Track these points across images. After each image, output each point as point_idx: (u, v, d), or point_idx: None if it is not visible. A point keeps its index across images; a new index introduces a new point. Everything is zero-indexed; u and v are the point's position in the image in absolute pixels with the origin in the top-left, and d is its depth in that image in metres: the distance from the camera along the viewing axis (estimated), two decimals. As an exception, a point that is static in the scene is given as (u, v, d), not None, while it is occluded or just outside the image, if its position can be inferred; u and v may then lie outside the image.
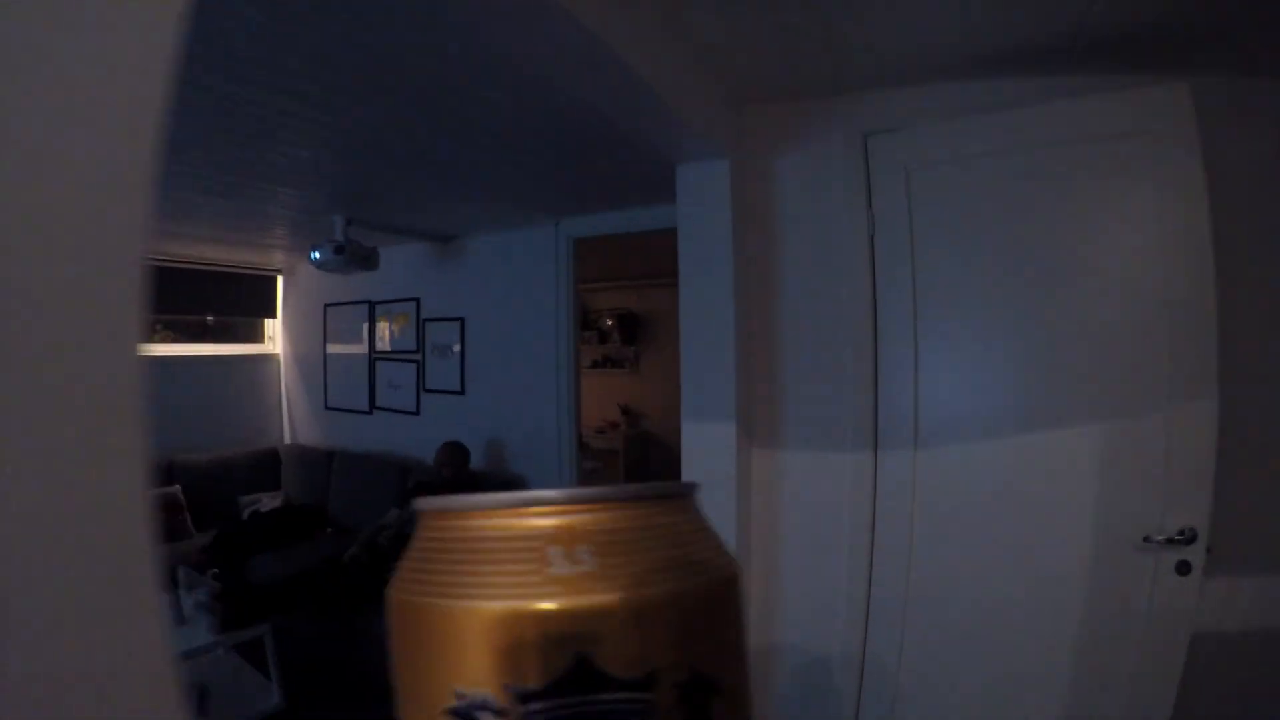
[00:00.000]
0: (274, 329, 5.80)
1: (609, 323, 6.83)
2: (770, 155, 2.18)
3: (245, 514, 4.62)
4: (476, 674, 0.23)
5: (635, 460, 6.56)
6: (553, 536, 0.24)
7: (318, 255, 3.63)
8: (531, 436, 3.97)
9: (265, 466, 5.12)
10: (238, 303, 5.51)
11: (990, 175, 1.87)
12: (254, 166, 2.77)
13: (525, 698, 0.22)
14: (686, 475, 2.16)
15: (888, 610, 2.01)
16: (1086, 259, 1.76)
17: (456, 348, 4.30)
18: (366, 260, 3.70)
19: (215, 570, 3.34)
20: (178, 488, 4.53)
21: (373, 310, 4.87)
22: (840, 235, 2.07)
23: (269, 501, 4.81)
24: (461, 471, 3.80)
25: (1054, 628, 1.78)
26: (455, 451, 3.80)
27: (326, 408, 5.28)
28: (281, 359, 5.77)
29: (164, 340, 5.29)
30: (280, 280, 5.74)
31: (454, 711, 0.23)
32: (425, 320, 4.51)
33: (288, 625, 3.29)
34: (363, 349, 4.94)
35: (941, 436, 1.93)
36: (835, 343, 2.08)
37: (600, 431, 6.68)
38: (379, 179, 3.06)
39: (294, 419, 5.67)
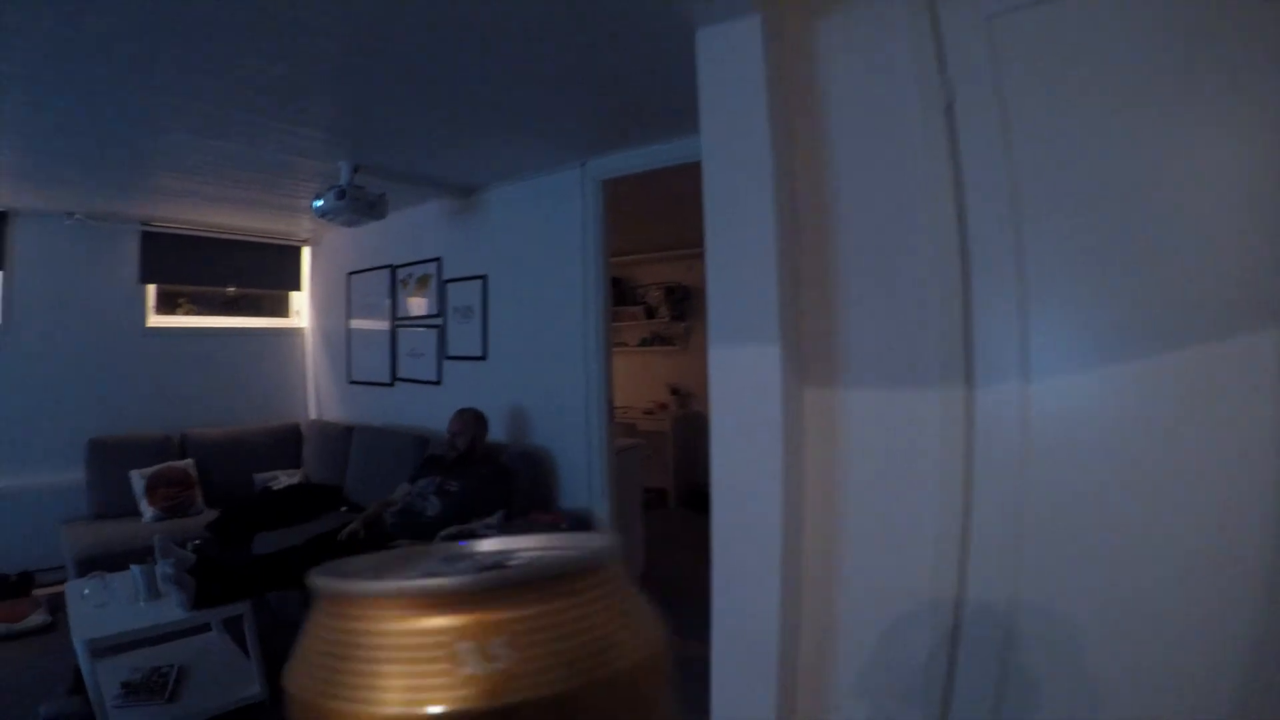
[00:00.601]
0: (300, 302, 5.53)
1: (656, 296, 6.37)
2: (811, 16, 1.70)
3: (262, 491, 4.33)
4: None
5: (684, 442, 6.10)
6: (463, 631, 0.22)
7: (320, 203, 3.28)
8: (557, 405, 3.54)
9: (286, 443, 4.83)
10: (263, 274, 5.25)
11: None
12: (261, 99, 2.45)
13: None
14: (718, 420, 1.70)
15: (990, 586, 1.50)
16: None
17: (478, 308, 3.91)
18: (373, 207, 3.33)
19: (196, 542, 3.01)
20: (189, 462, 4.26)
21: (394, 276, 4.53)
22: (905, 108, 1.58)
23: (286, 479, 4.51)
24: (478, 442, 3.40)
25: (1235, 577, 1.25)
26: (471, 420, 3.41)
27: (350, 382, 4.97)
28: (308, 332, 5.49)
29: (187, 313, 5.06)
30: (306, 252, 5.47)
31: None
32: (446, 282, 4.13)
33: (278, 605, 2.95)
34: (385, 320, 4.60)
35: (1061, 362, 1.42)
36: (908, 250, 1.58)
37: (648, 413, 6.23)
38: (388, 114, 2.71)
39: (320, 394, 5.39)
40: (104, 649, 2.49)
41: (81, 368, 4.40)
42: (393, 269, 4.54)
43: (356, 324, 4.90)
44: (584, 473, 3.44)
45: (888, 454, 1.60)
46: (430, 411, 4.23)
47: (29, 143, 2.99)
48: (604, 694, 0.22)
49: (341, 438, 4.45)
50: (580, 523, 3.36)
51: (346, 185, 3.23)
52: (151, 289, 4.79)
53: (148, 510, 4.00)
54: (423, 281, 4.30)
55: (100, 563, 3.21)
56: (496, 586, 0.22)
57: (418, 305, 4.34)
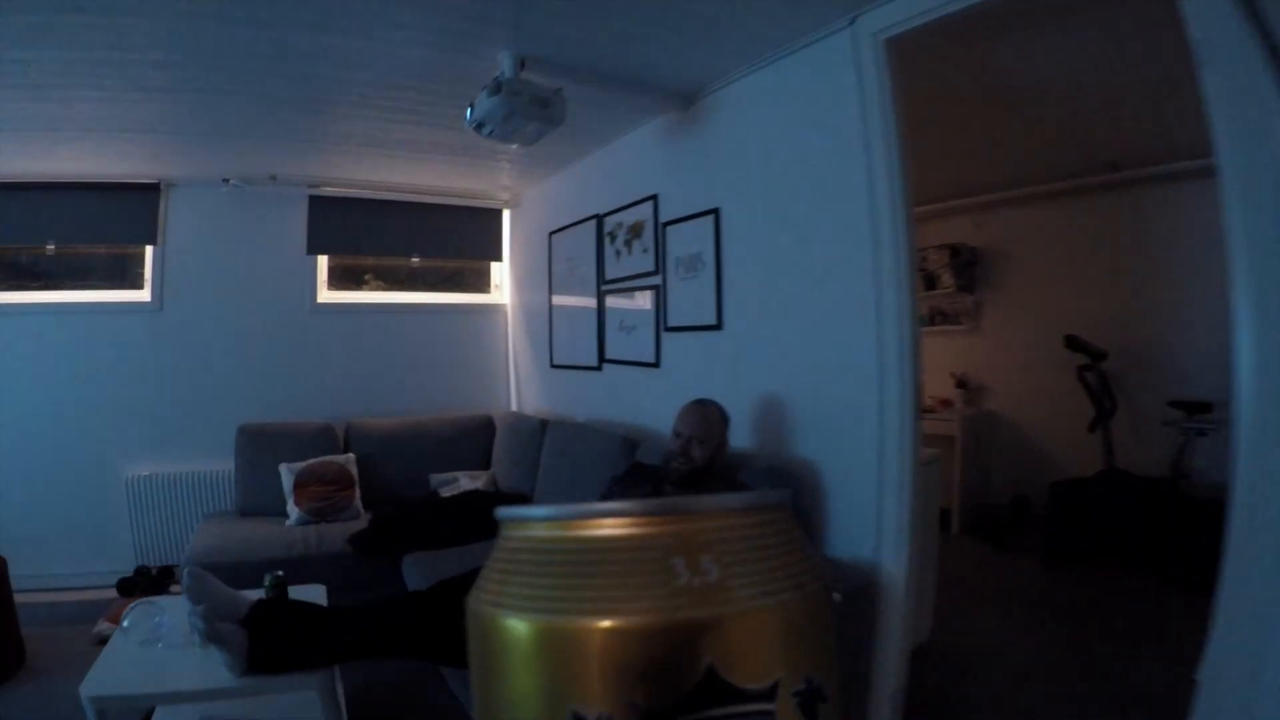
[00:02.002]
0: (501, 275, 4.73)
1: (938, 261, 4.86)
2: None
3: (427, 496, 3.50)
4: (596, 693, 0.21)
5: (975, 450, 4.55)
6: (674, 547, 0.23)
7: (471, 111, 2.30)
8: (830, 400, 2.27)
9: (473, 439, 4.00)
10: (454, 243, 4.50)
11: None
12: None
13: (653, 715, 0.21)
14: None
15: None
16: None
17: (709, 256, 2.74)
18: (546, 106, 2.26)
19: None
20: (349, 457, 3.53)
21: (600, 228, 3.50)
22: None
23: (468, 482, 3.65)
24: (720, 455, 2.24)
25: None
26: (715, 421, 2.24)
27: (552, 366, 4.03)
28: (509, 309, 4.67)
29: (375, 289, 4.42)
30: (507, 217, 4.65)
31: None
32: (665, 225, 3.01)
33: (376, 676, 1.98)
34: (591, 287, 3.59)
35: None
36: None
37: (929, 411, 4.73)
38: None
39: (519, 382, 4.54)
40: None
41: (239, 348, 3.90)
42: (599, 219, 3.52)
43: (559, 297, 3.94)
44: (869, 504, 2.13)
45: None
46: (643, 403, 3.15)
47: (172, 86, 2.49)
48: (797, 609, 0.24)
49: (534, 435, 3.50)
50: (859, 585, 2.09)
51: (506, 78, 2.21)
52: (323, 262, 4.19)
53: (294, 511, 3.32)
54: (635, 230, 3.21)
55: (219, 572, 2.46)
56: (706, 509, 0.24)
57: (629, 261, 3.27)
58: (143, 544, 3.52)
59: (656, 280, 3.06)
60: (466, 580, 1.97)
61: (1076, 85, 2.91)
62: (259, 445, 3.53)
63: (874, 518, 2.12)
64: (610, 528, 0.23)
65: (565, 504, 0.24)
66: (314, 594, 2.24)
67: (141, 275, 3.77)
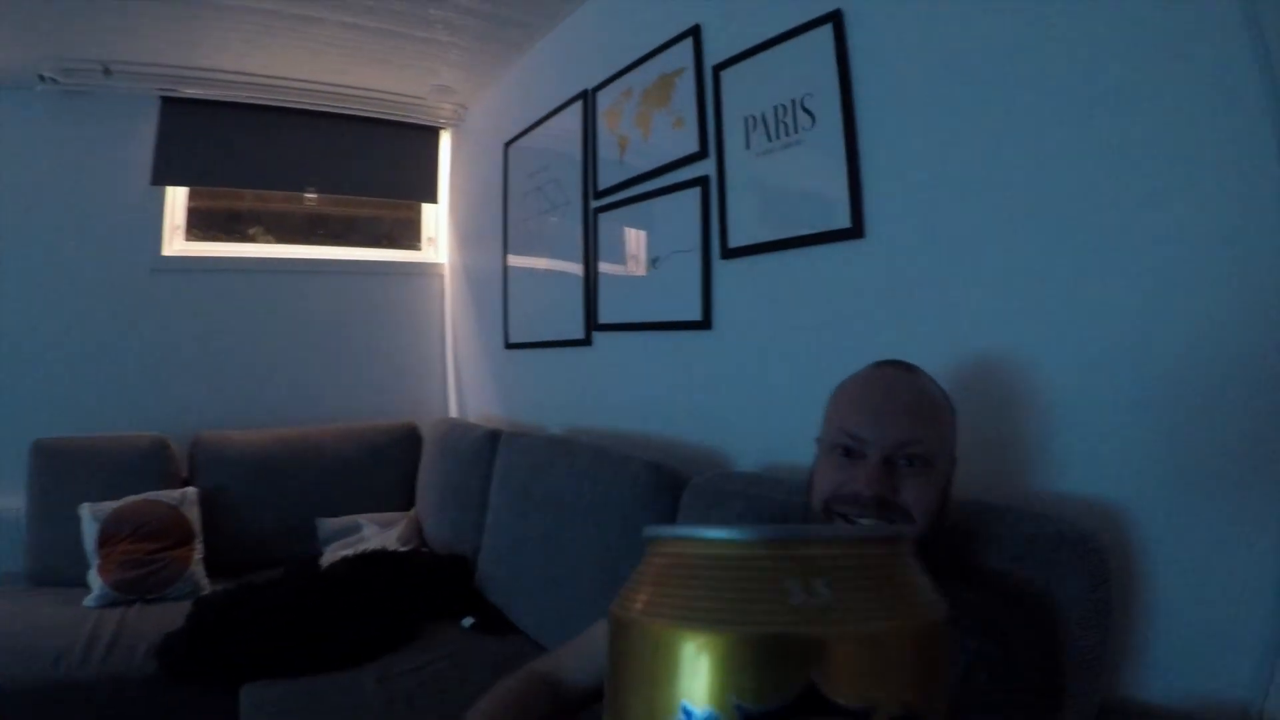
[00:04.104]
0: (436, 225, 3.31)
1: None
2: None
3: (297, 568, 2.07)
4: (706, 692, 0.23)
5: None
6: (791, 570, 0.25)
7: None
8: (1164, 376, 0.95)
9: (392, 461, 2.62)
10: (372, 173, 3.07)
11: None
12: None
13: (753, 717, 0.23)
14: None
15: None
16: None
17: (826, 102, 1.38)
18: None
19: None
20: (189, 494, 2.23)
21: (591, 108, 2.13)
22: None
23: (376, 534, 2.24)
24: (947, 501, 0.87)
25: None
26: (927, 408, 0.84)
27: (508, 346, 2.63)
28: (446, 272, 3.25)
29: (262, 242, 2.99)
30: (446, 140, 3.24)
31: None
32: (719, 67, 1.65)
33: None
34: (573, 213, 2.21)
35: None
36: None
37: None
38: None
39: (461, 373, 3.12)
40: None
41: (42, 323, 2.49)
42: (587, 97, 2.14)
43: (520, 239, 2.55)
44: (1260, 594, 0.83)
45: None
46: (679, 397, 1.78)
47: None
48: (908, 639, 0.25)
49: (480, 455, 2.09)
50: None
51: None
52: (178, 198, 2.75)
53: (95, 581, 1.96)
54: (658, 93, 1.84)
55: None
56: (826, 537, 0.27)
57: (644, 152, 1.89)
58: None
59: (704, 168, 1.69)
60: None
61: None
62: (58, 473, 2.19)
63: (1266, 621, 0.87)
64: (734, 550, 0.26)
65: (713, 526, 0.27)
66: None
67: None
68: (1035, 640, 0.78)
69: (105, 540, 2.00)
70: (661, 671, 0.25)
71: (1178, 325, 0.95)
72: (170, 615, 1.78)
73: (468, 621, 1.79)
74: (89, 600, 1.92)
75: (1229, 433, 0.92)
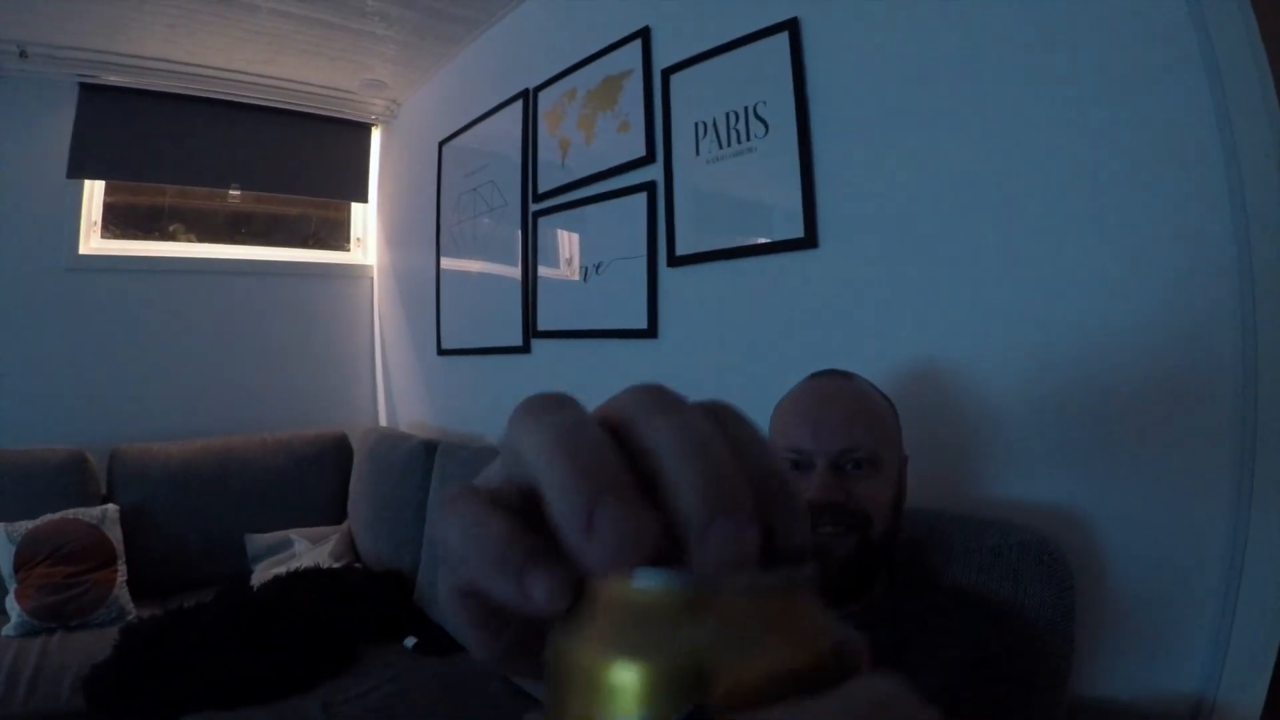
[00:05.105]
0: (365, 225, 3.18)
1: None
2: None
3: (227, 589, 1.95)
4: (619, 712, 0.23)
5: None
6: (685, 615, 0.24)
7: None
8: (1108, 378, 0.97)
9: (322, 472, 2.49)
10: (299, 170, 2.93)
11: None
12: None
13: None
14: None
15: None
16: None
17: (779, 110, 1.37)
18: None
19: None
20: (108, 511, 2.07)
21: (532, 108, 2.07)
22: None
23: (307, 550, 2.13)
24: (899, 523, 0.88)
25: None
26: (868, 411, 0.87)
27: (440, 352, 2.54)
28: (375, 275, 3.13)
29: (180, 238, 2.81)
30: (376, 137, 3.13)
31: None
32: (668, 71, 1.62)
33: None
34: (511, 217, 2.14)
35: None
36: None
37: None
38: None
39: (390, 381, 3.01)
40: None
41: None
42: (528, 96, 2.09)
43: (452, 242, 2.47)
44: (1206, 591, 0.87)
45: None
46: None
47: None
48: (804, 673, 0.24)
49: (414, 465, 2.01)
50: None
51: None
52: (95, 192, 2.56)
53: (14, 610, 1.80)
54: (604, 94, 1.80)
55: None
56: (723, 589, 0.25)
57: (587, 156, 1.85)
58: None
59: (652, 173, 1.66)
60: None
61: None
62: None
63: (1214, 617, 0.91)
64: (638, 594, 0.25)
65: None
66: None
67: None
68: (1016, 649, 0.78)
69: (21, 563, 1.84)
70: (586, 694, 0.25)
71: (1111, 332, 0.98)
72: (96, 644, 1.66)
73: (410, 641, 1.71)
74: (8, 630, 1.76)
75: (1160, 435, 0.94)
